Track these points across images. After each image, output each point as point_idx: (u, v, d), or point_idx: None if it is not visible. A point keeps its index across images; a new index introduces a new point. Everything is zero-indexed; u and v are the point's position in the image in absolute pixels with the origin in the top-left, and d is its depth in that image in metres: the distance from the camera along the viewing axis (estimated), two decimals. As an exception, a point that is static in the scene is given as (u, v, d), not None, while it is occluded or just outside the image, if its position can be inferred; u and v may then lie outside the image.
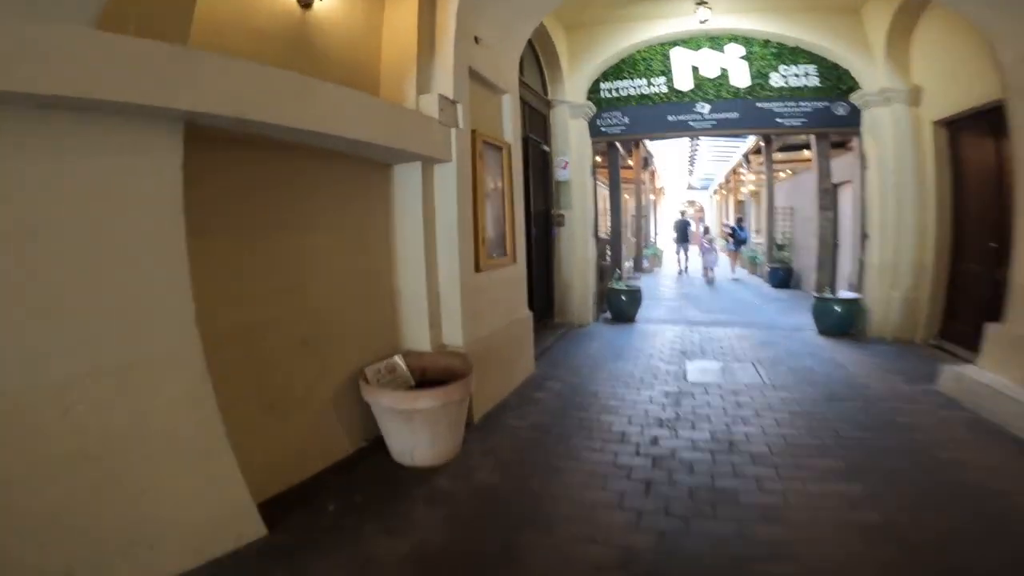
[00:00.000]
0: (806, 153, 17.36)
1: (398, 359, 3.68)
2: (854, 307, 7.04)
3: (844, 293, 7.25)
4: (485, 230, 4.35)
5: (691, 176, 26.27)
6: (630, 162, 15.47)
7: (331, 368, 3.36)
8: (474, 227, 4.18)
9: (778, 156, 15.78)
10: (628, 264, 13.01)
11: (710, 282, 13.89)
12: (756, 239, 16.77)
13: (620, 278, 8.42)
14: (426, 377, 3.79)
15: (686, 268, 16.66)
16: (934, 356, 5.90)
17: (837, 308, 7.09)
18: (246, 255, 2.87)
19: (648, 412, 4.40)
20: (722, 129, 8.09)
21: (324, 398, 3.31)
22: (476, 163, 4.23)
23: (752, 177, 17.94)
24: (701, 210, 35.70)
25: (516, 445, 3.75)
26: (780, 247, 12.78)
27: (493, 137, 4.71)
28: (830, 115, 7.52)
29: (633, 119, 8.21)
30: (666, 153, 19.21)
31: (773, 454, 3.52)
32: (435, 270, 3.93)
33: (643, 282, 13.93)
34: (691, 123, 8.06)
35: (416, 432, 3.27)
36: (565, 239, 7.75)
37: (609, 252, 9.28)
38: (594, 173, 8.23)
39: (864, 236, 7.16)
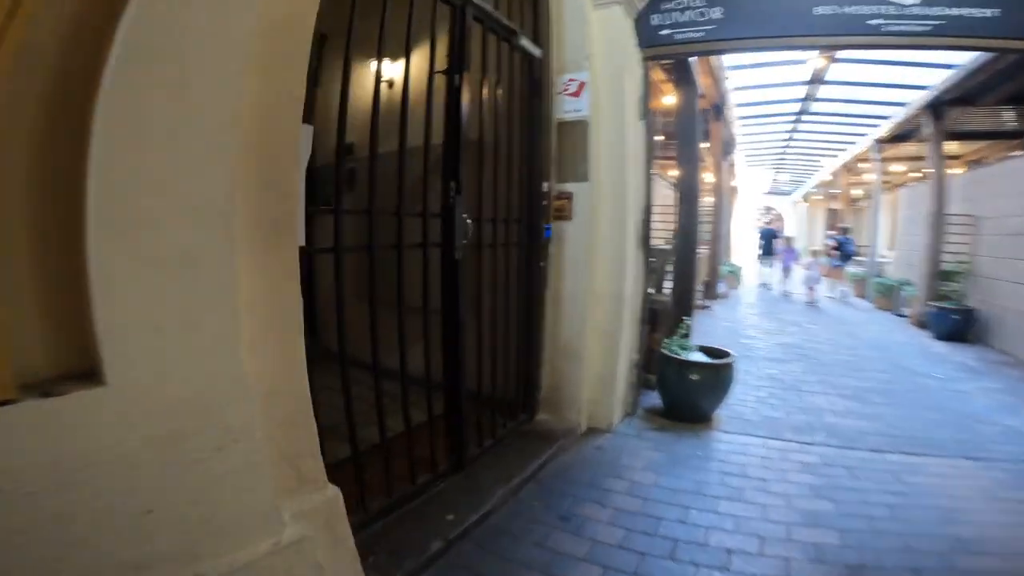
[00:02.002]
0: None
1: None
2: None
3: None
4: None
5: (778, 173, 21.26)
6: (703, 147, 11.14)
7: None
8: None
9: (910, 149, 11.01)
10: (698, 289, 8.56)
11: (812, 304, 11.27)
12: (885, 258, 11.97)
13: (688, 335, 4.12)
14: None
15: (769, 283, 14.01)
16: None
17: None
18: None
19: None
20: (949, 36, 3.64)
21: None
22: None
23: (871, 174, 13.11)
24: (780, 219, 30.68)
25: None
26: (947, 275, 8.07)
27: None
28: None
29: (732, 12, 3.92)
30: (749, 139, 14.61)
31: None
32: None
33: (720, 314, 9.56)
34: (873, 22, 3.68)
35: None
36: (572, 249, 3.57)
37: (670, 276, 4.99)
38: (647, 117, 3.98)
39: None
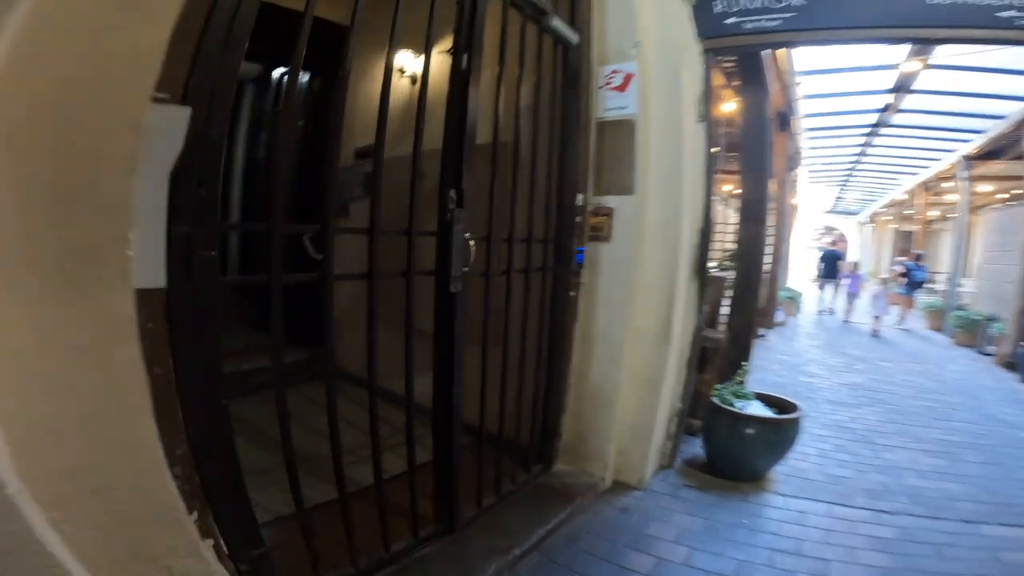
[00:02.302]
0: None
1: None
2: None
3: None
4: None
5: (844, 191, 19.89)
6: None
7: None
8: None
9: (997, 167, 9.83)
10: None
11: (878, 335, 10.28)
12: (967, 287, 10.79)
13: (743, 381, 3.47)
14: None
15: (831, 308, 13.04)
16: None
17: None
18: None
19: None
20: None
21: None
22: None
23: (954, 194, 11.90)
24: (843, 240, 28.92)
25: None
26: (1047, 314, 7.05)
27: None
28: None
29: (815, -2, 3.27)
30: (814, 152, 13.51)
31: None
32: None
33: (777, 345, 8.69)
34: (1004, 15, 2.90)
35: None
36: (609, 277, 2.99)
37: (725, 304, 4.32)
38: (708, 120, 3.36)
39: None
